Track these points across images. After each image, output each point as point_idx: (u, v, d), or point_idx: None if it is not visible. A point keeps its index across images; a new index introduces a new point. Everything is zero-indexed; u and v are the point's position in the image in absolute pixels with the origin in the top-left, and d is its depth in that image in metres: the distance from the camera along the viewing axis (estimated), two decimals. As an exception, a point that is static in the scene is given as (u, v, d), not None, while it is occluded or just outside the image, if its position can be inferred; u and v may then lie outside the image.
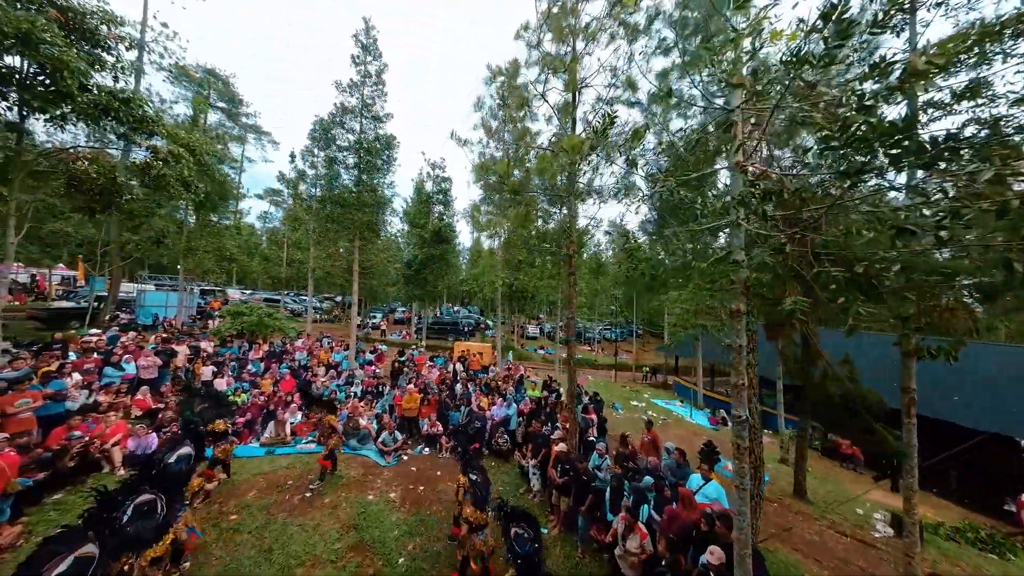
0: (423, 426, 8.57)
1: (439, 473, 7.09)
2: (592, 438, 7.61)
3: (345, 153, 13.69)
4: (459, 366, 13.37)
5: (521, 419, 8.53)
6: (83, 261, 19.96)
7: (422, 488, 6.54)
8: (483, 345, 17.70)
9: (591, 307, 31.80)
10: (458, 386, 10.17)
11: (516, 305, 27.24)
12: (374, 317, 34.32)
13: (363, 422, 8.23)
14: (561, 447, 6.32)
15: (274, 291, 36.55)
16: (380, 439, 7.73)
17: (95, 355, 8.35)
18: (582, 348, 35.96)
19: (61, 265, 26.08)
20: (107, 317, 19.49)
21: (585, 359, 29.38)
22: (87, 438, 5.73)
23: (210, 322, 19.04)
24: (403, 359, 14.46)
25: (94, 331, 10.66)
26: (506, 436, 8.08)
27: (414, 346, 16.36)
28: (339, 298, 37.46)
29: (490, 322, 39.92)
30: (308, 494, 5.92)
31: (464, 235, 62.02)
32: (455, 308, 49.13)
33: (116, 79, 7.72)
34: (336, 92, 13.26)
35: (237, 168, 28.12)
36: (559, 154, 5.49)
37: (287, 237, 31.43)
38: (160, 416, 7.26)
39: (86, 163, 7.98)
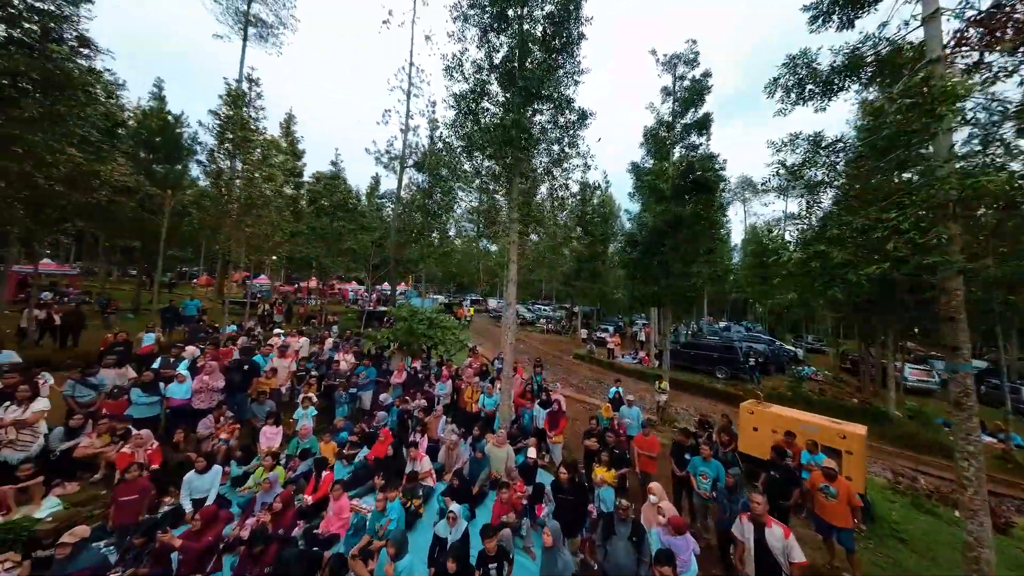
0: None
1: None
2: None
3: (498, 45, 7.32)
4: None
5: None
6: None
7: None
8: (850, 428, 6.52)
9: None
10: None
11: (878, 320, 13.27)
12: (606, 330, 27.06)
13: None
14: None
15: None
16: None
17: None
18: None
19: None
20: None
21: None
22: None
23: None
24: (605, 425, 6.24)
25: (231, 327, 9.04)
26: None
27: (637, 401, 7.42)
28: (576, 309, 32.41)
29: (794, 349, 23.77)
30: None
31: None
32: (721, 324, 34.36)
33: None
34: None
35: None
36: None
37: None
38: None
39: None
